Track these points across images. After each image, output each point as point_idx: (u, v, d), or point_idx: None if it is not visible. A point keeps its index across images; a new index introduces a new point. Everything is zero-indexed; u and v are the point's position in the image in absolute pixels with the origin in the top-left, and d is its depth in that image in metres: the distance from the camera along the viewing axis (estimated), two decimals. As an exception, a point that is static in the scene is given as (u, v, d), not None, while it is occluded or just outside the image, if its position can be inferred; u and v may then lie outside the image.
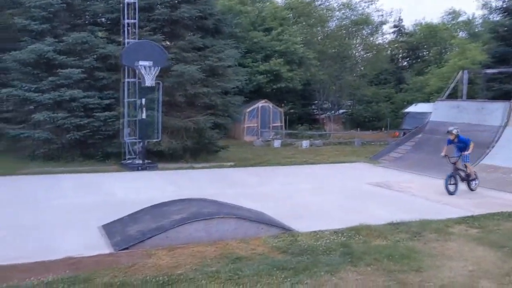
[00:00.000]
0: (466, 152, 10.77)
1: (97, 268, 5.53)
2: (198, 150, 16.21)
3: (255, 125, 26.50)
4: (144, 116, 13.65)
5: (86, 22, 15.84)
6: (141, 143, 13.98)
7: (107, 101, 14.48)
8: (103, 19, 15.99)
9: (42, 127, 13.82)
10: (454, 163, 10.78)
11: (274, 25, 30.30)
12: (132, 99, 14.46)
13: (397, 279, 5.34)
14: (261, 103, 26.85)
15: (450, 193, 10.52)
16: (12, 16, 15.09)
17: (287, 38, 29.02)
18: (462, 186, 10.96)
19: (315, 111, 35.41)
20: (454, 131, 10.89)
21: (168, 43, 15.92)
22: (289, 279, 5.18)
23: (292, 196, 10.27)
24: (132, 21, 14.34)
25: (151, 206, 7.71)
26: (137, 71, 13.85)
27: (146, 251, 6.13)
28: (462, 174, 10.97)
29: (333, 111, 34.15)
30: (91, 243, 6.54)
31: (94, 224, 7.41)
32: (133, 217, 7.36)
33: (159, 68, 13.56)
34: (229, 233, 6.74)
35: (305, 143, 23.67)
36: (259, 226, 6.99)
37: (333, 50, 34.07)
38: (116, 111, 14.41)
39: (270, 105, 27.27)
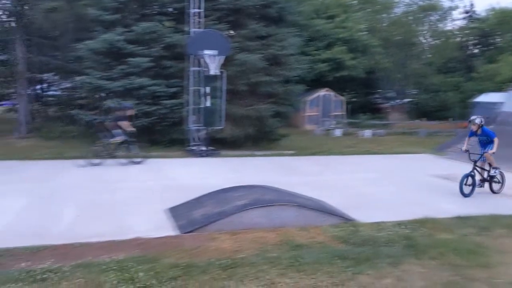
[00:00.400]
0: (490, 151, 9.45)
1: (164, 249, 5.80)
2: (259, 138, 16.39)
3: (316, 113, 26.32)
4: (208, 104, 13.98)
5: (154, 12, 16.34)
6: (205, 130, 14.34)
7: (173, 89, 14.95)
8: (170, 9, 16.42)
9: (112, 113, 14.51)
10: (475, 161, 9.52)
11: (338, 12, 29.77)
12: (197, 87, 14.83)
13: (463, 274, 5.20)
14: (322, 92, 26.61)
15: (465, 195, 9.21)
16: (85, 7, 15.86)
17: (351, 25, 28.45)
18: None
19: (378, 100, 34.57)
20: (477, 121, 9.51)
21: (231, 32, 16.12)
22: (350, 269, 5.19)
23: (353, 185, 10.17)
24: (198, 10, 14.64)
25: (214, 191, 7.94)
26: (202, 60, 14.18)
27: (209, 234, 6.35)
28: (485, 174, 9.74)
29: (397, 100, 33.18)
30: (158, 225, 6.86)
31: (160, 207, 7.75)
32: (198, 201, 7.62)
33: (223, 57, 13.79)
34: (290, 220, 6.82)
35: (367, 133, 23.24)
36: (319, 215, 7.02)
37: (399, 37, 32.97)
38: (182, 99, 14.86)
39: (332, 93, 26.95)
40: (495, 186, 9.82)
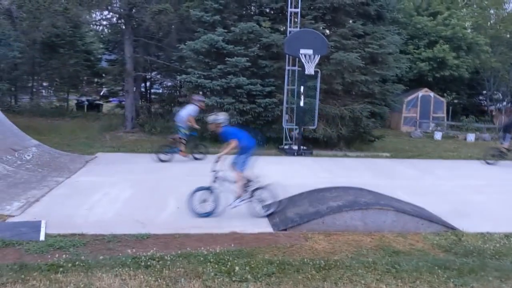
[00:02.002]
0: None
1: (258, 245, 5.92)
2: (352, 139, 16.08)
3: (414, 115, 25.22)
4: (302, 103, 13.98)
5: (252, 12, 16.69)
6: (298, 130, 14.37)
7: (268, 88, 15.16)
8: (267, 9, 16.67)
9: (211, 111, 15.05)
10: None
11: (441, 9, 28.23)
12: (292, 87, 14.91)
13: None
14: (421, 92, 25.43)
15: None
16: (188, 9, 16.61)
17: (455, 22, 26.81)
18: None
19: (483, 102, 32.27)
20: None
21: (328, 31, 15.98)
22: (452, 280, 4.92)
23: (455, 192, 9.61)
24: (295, 10, 14.70)
25: (308, 191, 7.93)
26: (298, 59, 14.22)
27: (303, 234, 6.36)
28: None
29: (505, 103, 30.73)
30: (252, 221, 7.01)
31: (254, 204, 7.87)
32: (292, 200, 7.66)
33: (320, 56, 13.72)
34: (386, 225, 6.63)
35: (470, 137, 21.83)
36: (418, 221, 6.73)
37: (509, 35, 30.49)
38: (276, 98, 15.02)
39: (432, 94, 25.65)
40: None
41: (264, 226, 6.80)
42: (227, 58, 14.88)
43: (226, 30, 15.21)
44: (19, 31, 19.24)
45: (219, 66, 14.97)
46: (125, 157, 12.49)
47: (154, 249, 5.62)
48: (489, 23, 31.50)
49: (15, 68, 23.14)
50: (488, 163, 13.86)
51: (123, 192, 8.50)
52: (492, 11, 31.97)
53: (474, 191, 9.84)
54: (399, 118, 25.19)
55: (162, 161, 11.83)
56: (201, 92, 15.67)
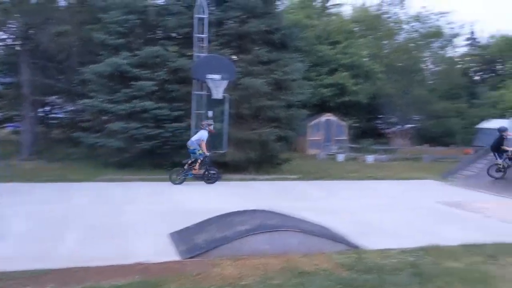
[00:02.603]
0: None
1: (165, 274, 5.70)
2: (261, 162, 16.33)
3: (319, 138, 26.30)
4: (211, 128, 13.96)
5: (159, 37, 16.51)
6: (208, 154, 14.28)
7: (176, 113, 14.98)
8: (174, 34, 16.59)
9: (115, 136, 14.52)
10: None
11: (340, 39, 30.08)
12: (201, 111, 14.87)
13: (470, 305, 5.08)
14: (325, 117, 26.65)
15: None
16: (91, 31, 16.04)
17: (353, 51, 28.68)
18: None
19: (381, 125, 34.59)
20: None
21: (235, 57, 16.25)
22: (354, 298, 5.07)
23: (357, 211, 10.06)
24: (203, 35, 14.79)
25: (216, 216, 7.85)
26: (206, 84, 14.25)
27: (211, 260, 6.23)
28: None
29: (400, 126, 33.17)
30: (159, 250, 6.76)
31: (162, 231, 7.65)
32: (199, 226, 7.53)
33: (228, 81, 13.86)
34: (293, 247, 6.70)
35: (370, 158, 23.15)
36: (323, 242, 6.90)
37: (401, 64, 33.20)
38: (185, 122, 14.87)
39: (335, 118, 26.99)
40: None
41: (170, 255, 6.58)
42: (132, 82, 14.51)
43: (131, 54, 14.88)
44: None
45: (124, 90, 14.56)
46: (20, 187, 11.57)
47: (52, 285, 5.22)
48: (383, 52, 34.09)
49: None
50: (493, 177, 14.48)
51: (18, 225, 7.82)
52: (386, 42, 34.66)
53: (375, 209, 10.37)
54: (305, 141, 26.11)
55: (175, 184, 12.95)
56: (105, 117, 15.09)
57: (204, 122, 13.49)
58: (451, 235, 8.11)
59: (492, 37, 43.90)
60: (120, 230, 7.79)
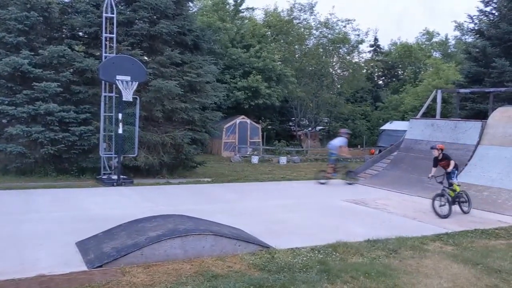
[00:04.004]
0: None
1: (69, 286, 5.40)
2: (175, 166, 16.12)
3: (233, 141, 26.51)
4: (121, 131, 13.50)
5: (64, 35, 15.65)
6: (117, 158, 13.80)
7: (83, 116, 14.27)
8: (81, 33, 15.82)
9: (15, 141, 13.52)
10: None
11: (253, 42, 30.61)
12: (110, 114, 14.33)
13: (373, 297, 5.36)
14: (239, 119, 26.93)
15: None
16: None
17: (266, 55, 29.32)
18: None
19: (292, 127, 35.67)
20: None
21: (146, 58, 15.87)
22: (265, 297, 5.14)
23: (269, 212, 10.25)
24: (111, 35, 14.28)
25: (127, 222, 7.58)
26: (115, 86, 13.75)
27: (120, 269, 6.01)
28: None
29: (310, 128, 34.43)
30: (64, 261, 6.38)
31: (68, 240, 7.24)
32: (108, 233, 7.22)
33: (138, 83, 13.49)
34: (206, 250, 6.67)
35: (282, 159, 23.76)
36: (236, 243, 6.94)
37: (311, 68, 34.49)
38: (93, 125, 14.22)
39: (248, 121, 27.36)
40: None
41: (76, 265, 6.23)
42: (34, 83, 13.61)
43: (32, 53, 13.95)
44: None
45: (25, 92, 13.59)
46: None
47: None
48: (294, 56, 35.20)
49: None
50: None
51: None
52: (297, 46, 35.81)
53: (287, 210, 10.63)
54: (219, 144, 26.19)
55: (321, 183, 15.21)
56: (4, 120, 14.00)
57: (343, 131, 16.05)
58: (357, 231, 8.54)
59: (393, 44, 47.10)
60: (20, 241, 7.24)
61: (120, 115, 13.54)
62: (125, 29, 15.18)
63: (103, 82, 13.91)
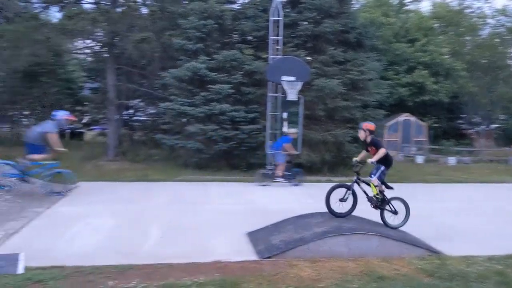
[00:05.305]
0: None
1: (243, 273, 5.84)
2: (336, 164, 16.15)
3: (396, 139, 25.52)
4: (285, 129, 14.06)
5: (235, 40, 16.90)
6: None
7: (251, 115, 15.26)
8: (250, 37, 16.90)
9: (194, 138, 15.05)
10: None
11: (419, 36, 29.00)
12: (275, 113, 15.02)
13: None
14: (402, 117, 25.81)
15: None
16: (171, 37, 16.75)
17: (433, 48, 27.55)
18: None
19: (462, 125, 32.89)
20: None
21: (309, 58, 16.23)
22: (437, 305, 4.91)
23: (437, 215, 9.67)
24: (277, 38, 14.93)
25: (293, 217, 7.90)
26: (280, 86, 14.37)
27: (288, 261, 6.30)
28: None
29: (484, 126, 31.34)
30: (237, 249, 6.93)
31: (239, 230, 7.84)
32: (276, 226, 7.62)
33: (302, 82, 13.89)
34: (371, 250, 6.62)
35: (451, 160, 22.13)
36: (402, 246, 6.74)
37: (484, 61, 31.35)
38: (260, 124, 15.09)
39: (413, 118, 26.06)
40: None
41: (248, 254, 6.73)
42: (210, 85, 14.97)
43: (209, 58, 15.36)
44: (0, 60, 19.08)
45: (202, 93, 15.05)
46: (107, 186, 12.33)
47: (137, 280, 5.50)
48: (465, 49, 32.41)
49: (-5, 97, 22.89)
50: None
51: (105, 222, 8.35)
52: (468, 38, 32.92)
53: (457, 213, 9.93)
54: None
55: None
56: (185, 120, 15.68)
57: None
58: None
59: None
60: (198, 229, 8.07)
61: (285, 114, 14.11)
62: (290, 30, 15.73)
63: (269, 83, 14.65)
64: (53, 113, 10.59)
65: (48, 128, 10.19)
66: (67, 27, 16.30)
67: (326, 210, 7.43)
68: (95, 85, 25.14)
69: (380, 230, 7.04)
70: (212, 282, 5.51)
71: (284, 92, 14.17)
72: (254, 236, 7.47)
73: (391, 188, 7.78)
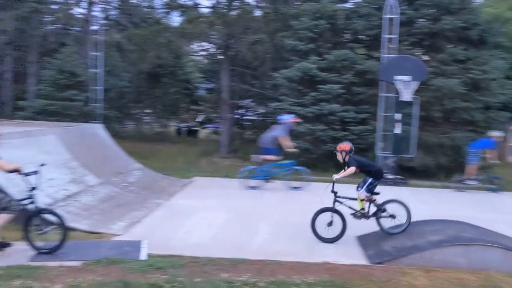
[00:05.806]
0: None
1: (352, 277, 5.77)
2: (453, 169, 15.20)
3: (522, 144, 23.29)
4: (398, 131, 13.57)
5: (346, 40, 16.68)
6: (394, 158, 13.92)
7: (362, 115, 14.97)
8: (362, 36, 16.56)
9: (302, 138, 15.15)
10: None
11: (553, 31, 26.15)
12: (388, 114, 14.54)
13: None
14: (531, 120, 23.48)
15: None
16: (283, 38, 17.03)
17: None
18: None
19: None
20: None
21: (426, 56, 15.47)
22: None
23: None
24: (392, 36, 14.45)
25: (405, 223, 7.60)
26: (393, 86, 13.90)
27: (400, 268, 6.09)
28: None
29: None
30: (346, 251, 6.86)
31: (348, 233, 7.63)
32: (387, 232, 7.40)
33: (418, 82, 13.29)
34: (493, 264, 6.15)
35: None
36: (531, 262, 6.16)
37: None
38: (370, 125, 14.73)
39: (543, 122, 23.58)
40: None
41: (358, 258, 6.63)
42: (319, 86, 14.96)
43: (319, 58, 15.35)
44: (128, 62, 20.90)
45: (311, 93, 15.09)
46: (220, 182, 12.90)
47: (249, 274, 5.69)
48: None
49: (122, 96, 25.04)
50: None
51: (218, 217, 8.75)
52: None
53: None
54: (502, 147, 23.40)
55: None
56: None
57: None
58: None
59: None
60: (307, 228, 8.09)
61: (397, 115, 13.61)
62: (405, 28, 15.14)
63: (382, 82, 14.24)
64: (279, 117, 11.58)
65: (278, 132, 11.45)
66: (186, 30, 17.35)
67: (440, 217, 7.06)
68: (210, 85, 26.45)
69: (504, 242, 6.50)
70: (321, 282, 5.52)
71: (397, 92, 13.69)
72: (364, 240, 7.32)
73: (377, 193, 7.62)
